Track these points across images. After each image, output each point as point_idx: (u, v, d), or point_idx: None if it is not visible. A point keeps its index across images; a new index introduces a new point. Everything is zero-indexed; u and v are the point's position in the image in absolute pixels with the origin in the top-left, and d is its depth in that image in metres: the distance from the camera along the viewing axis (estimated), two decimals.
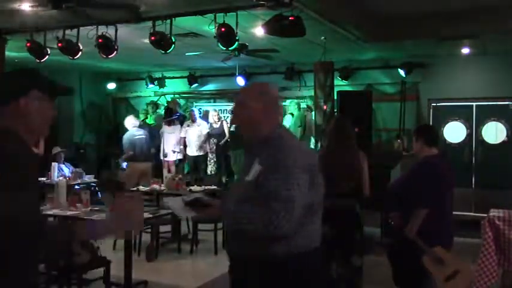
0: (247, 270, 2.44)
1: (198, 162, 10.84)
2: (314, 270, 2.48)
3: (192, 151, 10.86)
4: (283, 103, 11.13)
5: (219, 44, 6.57)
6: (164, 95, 12.75)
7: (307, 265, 2.42)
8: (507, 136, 8.85)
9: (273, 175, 2.30)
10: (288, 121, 10.48)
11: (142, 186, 7.49)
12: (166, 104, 12.25)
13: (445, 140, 9.16)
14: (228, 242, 2.66)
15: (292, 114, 10.63)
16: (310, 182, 2.36)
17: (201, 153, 10.83)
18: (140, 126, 9.66)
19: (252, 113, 2.47)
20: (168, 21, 6.69)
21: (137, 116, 11.21)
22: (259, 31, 7.06)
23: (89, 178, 8.09)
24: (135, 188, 7.29)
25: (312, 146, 9.76)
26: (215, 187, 7.42)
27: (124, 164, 10.07)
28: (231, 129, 10.79)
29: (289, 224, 2.25)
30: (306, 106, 10.77)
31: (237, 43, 6.55)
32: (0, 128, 1.92)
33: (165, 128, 10.91)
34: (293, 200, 2.25)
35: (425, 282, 3.89)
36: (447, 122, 9.27)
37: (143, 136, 9.38)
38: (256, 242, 2.35)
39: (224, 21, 6.31)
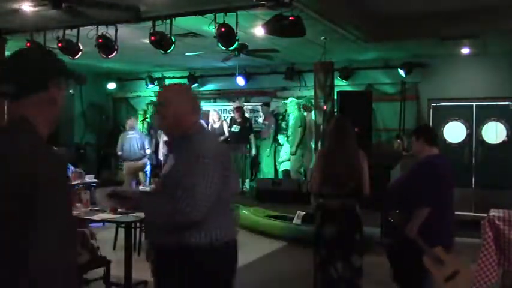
0: (165, 259, 2.56)
1: None
2: (227, 262, 2.60)
3: None
4: (284, 102, 11.17)
5: (219, 44, 6.57)
6: None
7: (221, 256, 2.53)
8: (507, 136, 8.83)
9: (182, 166, 2.45)
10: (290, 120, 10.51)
11: (142, 186, 7.49)
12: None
13: (445, 140, 9.15)
14: (147, 232, 2.81)
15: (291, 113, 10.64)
16: (221, 175, 2.46)
17: None
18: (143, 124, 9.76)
19: (176, 112, 2.58)
20: (168, 21, 6.69)
21: (137, 116, 11.26)
22: (259, 31, 7.06)
23: (89, 178, 8.08)
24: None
25: (312, 146, 9.76)
26: None
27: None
28: (232, 129, 10.80)
29: (195, 211, 2.35)
30: (301, 105, 10.65)
31: (237, 43, 6.55)
32: (17, 120, 1.61)
33: None
34: (194, 187, 2.36)
35: (425, 282, 3.89)
36: (447, 122, 9.25)
37: (134, 135, 9.53)
38: (170, 232, 2.46)
39: (224, 21, 6.31)
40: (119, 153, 9.56)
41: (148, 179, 9.96)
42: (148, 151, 9.77)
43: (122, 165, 10.31)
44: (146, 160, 9.78)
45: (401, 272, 4.02)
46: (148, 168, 10.02)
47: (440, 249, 3.76)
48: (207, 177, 2.39)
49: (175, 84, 3.13)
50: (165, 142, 2.84)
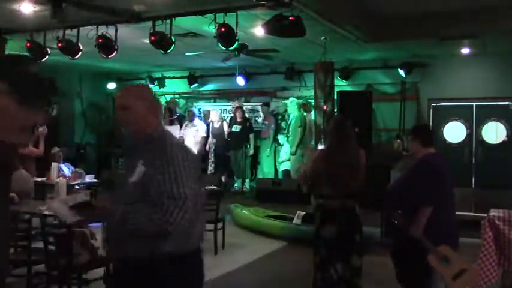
0: (132, 271, 2.43)
1: None
2: (195, 269, 2.52)
3: None
4: (284, 102, 11.18)
5: (219, 44, 6.56)
6: (164, 95, 12.75)
7: (189, 264, 2.47)
8: (507, 136, 8.84)
9: (162, 175, 2.33)
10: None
11: None
12: (165, 104, 12.26)
13: (445, 140, 9.15)
14: (111, 243, 2.66)
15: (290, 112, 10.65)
16: (195, 178, 2.42)
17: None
18: None
19: (136, 114, 2.51)
20: (168, 21, 6.69)
21: None
22: (259, 31, 7.06)
23: (89, 178, 8.07)
24: None
25: (313, 145, 9.76)
26: (215, 187, 7.41)
27: None
28: (233, 129, 10.81)
29: (184, 221, 2.31)
30: (301, 104, 10.65)
31: (237, 43, 6.55)
32: None
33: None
34: (185, 197, 2.31)
35: (429, 282, 3.89)
36: (447, 122, 9.26)
37: None
38: (143, 242, 2.36)
39: (224, 21, 6.31)
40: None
41: None
42: None
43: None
44: None
45: (405, 272, 4.02)
46: None
47: (447, 248, 3.76)
48: (191, 185, 2.36)
49: (134, 86, 2.99)
50: (127, 146, 2.72)
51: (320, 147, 8.02)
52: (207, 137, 10.97)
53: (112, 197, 2.61)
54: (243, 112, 11.10)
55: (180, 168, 2.35)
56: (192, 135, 10.81)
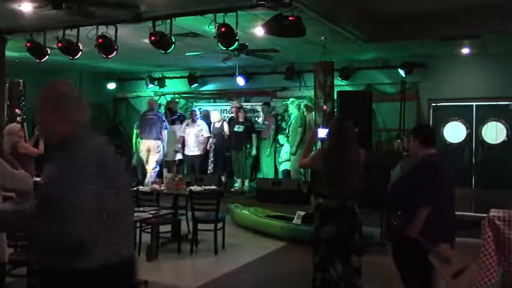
0: (51, 282, 2.26)
1: (195, 162, 10.85)
2: (121, 283, 2.32)
3: (190, 151, 10.87)
4: (285, 102, 11.18)
5: (219, 44, 6.56)
6: (164, 95, 12.75)
7: (114, 278, 2.25)
8: (507, 136, 8.84)
9: (61, 178, 2.18)
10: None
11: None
12: (165, 104, 12.26)
13: (445, 140, 9.15)
14: (32, 251, 2.52)
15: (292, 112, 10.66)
16: (109, 186, 2.22)
17: (198, 153, 10.84)
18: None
19: (48, 117, 2.35)
20: (168, 21, 6.69)
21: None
22: (259, 31, 7.05)
23: None
24: (134, 187, 7.28)
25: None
26: (215, 187, 7.42)
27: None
28: (235, 129, 10.81)
29: (82, 231, 2.10)
30: (304, 105, 10.73)
31: (237, 43, 6.54)
32: None
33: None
34: (82, 205, 2.10)
35: (430, 282, 3.88)
36: (447, 122, 9.26)
37: (152, 117, 10.62)
38: (56, 253, 2.17)
39: (224, 21, 6.30)
40: (137, 130, 11.10)
41: (160, 160, 10.71)
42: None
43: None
44: (160, 140, 10.63)
45: (407, 272, 4.01)
46: (161, 148, 10.70)
47: (446, 247, 3.76)
48: (94, 193, 2.14)
49: (46, 86, 2.48)
50: (49, 147, 2.58)
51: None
52: (209, 137, 10.98)
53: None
54: (245, 112, 11.11)
55: (82, 174, 2.15)
56: (194, 135, 10.82)
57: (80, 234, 2.10)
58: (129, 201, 2.42)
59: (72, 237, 2.10)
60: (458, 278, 3.73)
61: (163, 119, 10.87)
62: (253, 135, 10.89)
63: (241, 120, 10.87)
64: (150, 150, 10.56)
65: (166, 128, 10.84)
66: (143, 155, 10.73)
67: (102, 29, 7.15)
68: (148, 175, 10.52)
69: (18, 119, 10.11)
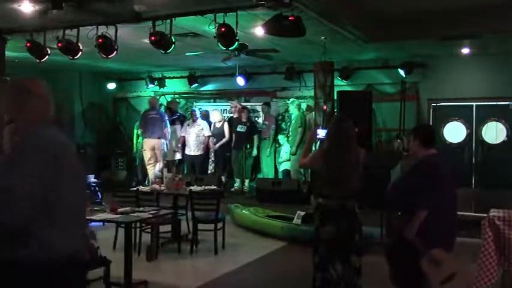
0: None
1: (196, 162, 10.86)
2: (70, 279, 2.25)
3: (190, 151, 10.88)
4: (285, 102, 11.17)
5: (219, 44, 6.56)
6: (164, 95, 12.75)
7: (62, 273, 2.20)
8: (507, 136, 8.84)
9: (1, 166, 2.19)
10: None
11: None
12: (165, 104, 12.25)
13: (445, 140, 9.16)
14: None
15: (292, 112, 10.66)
16: (58, 176, 2.20)
17: (199, 153, 10.84)
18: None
19: (13, 115, 2.40)
20: (168, 21, 6.69)
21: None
22: (259, 31, 7.05)
23: (89, 178, 8.10)
24: (135, 188, 7.28)
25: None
26: (215, 187, 7.42)
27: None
28: (238, 129, 10.81)
29: (11, 217, 2.07)
30: (305, 106, 10.78)
31: (237, 43, 6.54)
32: None
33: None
34: (11, 190, 2.06)
35: (423, 284, 3.87)
36: (447, 122, 9.26)
37: (155, 116, 10.62)
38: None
39: (224, 21, 6.31)
40: (141, 130, 10.88)
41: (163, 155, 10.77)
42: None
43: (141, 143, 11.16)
44: (163, 138, 10.65)
45: (399, 273, 4.01)
46: (164, 146, 10.75)
47: (440, 251, 3.75)
48: (32, 180, 2.11)
49: (9, 84, 2.50)
50: None
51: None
52: (210, 136, 10.99)
53: None
54: (248, 112, 11.11)
55: (22, 161, 2.14)
56: (195, 135, 10.83)
57: (13, 222, 2.07)
58: (80, 193, 2.39)
59: (5, 225, 2.08)
60: (447, 283, 3.72)
61: (165, 117, 10.87)
62: (255, 136, 10.89)
63: (244, 120, 10.87)
64: (155, 149, 10.59)
65: (168, 126, 10.82)
66: (146, 153, 10.71)
67: (102, 29, 7.15)
68: (156, 169, 10.57)
69: None
